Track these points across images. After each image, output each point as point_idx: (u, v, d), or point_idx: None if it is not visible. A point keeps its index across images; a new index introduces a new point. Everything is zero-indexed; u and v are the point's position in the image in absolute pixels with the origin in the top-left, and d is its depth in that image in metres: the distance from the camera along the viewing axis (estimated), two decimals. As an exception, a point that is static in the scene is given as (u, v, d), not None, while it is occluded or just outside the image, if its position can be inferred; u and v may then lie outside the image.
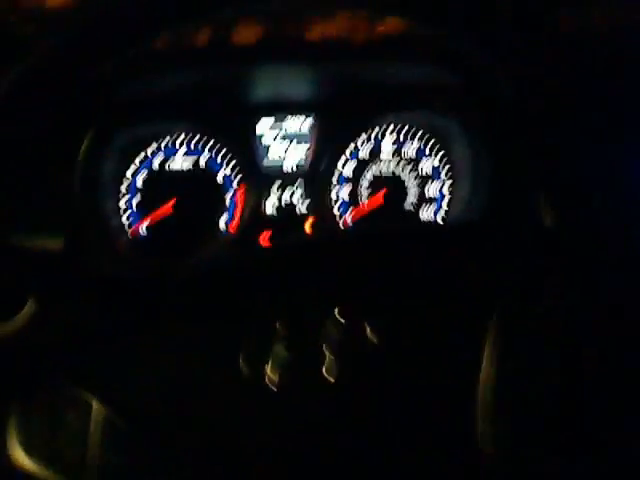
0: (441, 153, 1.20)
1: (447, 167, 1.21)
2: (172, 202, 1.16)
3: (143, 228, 1.17)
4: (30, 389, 0.61)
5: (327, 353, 0.59)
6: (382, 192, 1.21)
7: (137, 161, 1.16)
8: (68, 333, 0.60)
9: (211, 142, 1.16)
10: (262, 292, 0.62)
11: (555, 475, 0.59)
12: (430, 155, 1.21)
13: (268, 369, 0.59)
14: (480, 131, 1.12)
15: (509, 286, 0.63)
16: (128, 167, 1.15)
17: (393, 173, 1.22)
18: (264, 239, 1.18)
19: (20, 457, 0.60)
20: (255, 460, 0.59)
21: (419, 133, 1.20)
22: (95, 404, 0.58)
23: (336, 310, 0.60)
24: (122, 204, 1.16)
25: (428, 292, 0.62)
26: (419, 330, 0.61)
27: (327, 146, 1.17)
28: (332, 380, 0.58)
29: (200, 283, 0.63)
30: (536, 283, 0.64)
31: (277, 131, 1.18)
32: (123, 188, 1.16)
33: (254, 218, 1.18)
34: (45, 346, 0.60)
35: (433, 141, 1.20)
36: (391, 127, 1.20)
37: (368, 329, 0.59)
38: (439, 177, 1.21)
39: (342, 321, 0.60)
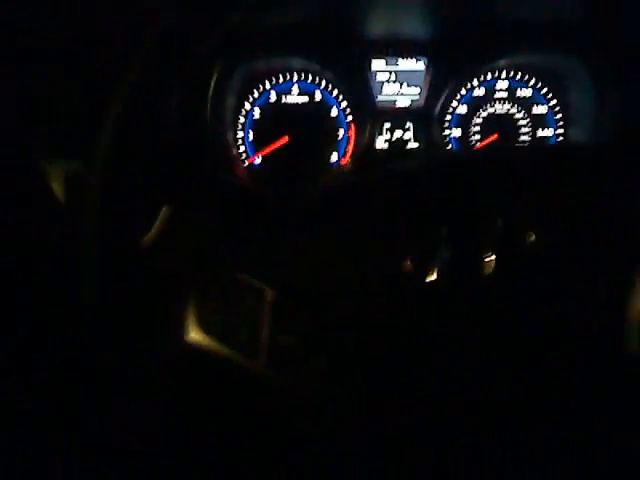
0: (555, 99, 1.18)
1: (562, 112, 1.19)
2: (287, 135, 1.19)
3: (258, 159, 1.21)
4: (201, 280, 0.66)
5: (489, 257, 0.61)
6: (495, 131, 1.20)
7: (255, 95, 1.19)
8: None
9: (326, 77, 1.18)
10: (431, 197, 0.64)
11: None
12: (545, 99, 1.19)
13: (433, 272, 0.61)
14: (606, 73, 1.09)
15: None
16: (246, 100, 1.18)
17: (507, 112, 1.20)
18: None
19: (198, 335, 0.65)
20: (411, 355, 0.62)
21: (534, 77, 1.18)
22: (267, 290, 0.63)
23: (501, 219, 0.62)
24: (240, 135, 1.20)
25: (588, 209, 0.63)
26: (577, 243, 0.62)
27: (440, 87, 1.17)
28: (492, 280, 0.60)
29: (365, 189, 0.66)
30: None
31: (391, 69, 1.18)
32: (241, 120, 1.19)
33: (366, 153, 1.20)
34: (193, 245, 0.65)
35: (548, 85, 1.18)
36: (505, 70, 1.18)
37: (532, 236, 0.61)
38: (553, 121, 1.19)
39: (505, 227, 0.61)
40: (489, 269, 0.61)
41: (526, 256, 0.61)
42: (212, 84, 1.06)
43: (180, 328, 0.64)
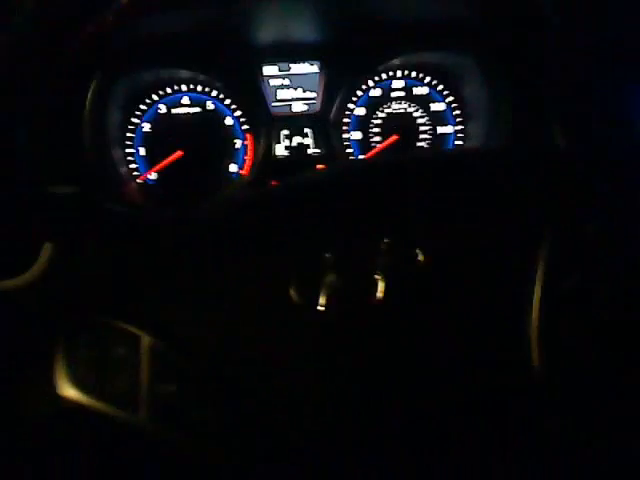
0: (452, 96, 1.17)
1: (459, 108, 1.18)
2: (181, 148, 1.14)
3: (152, 175, 1.14)
4: (71, 327, 0.60)
5: (378, 279, 0.58)
6: (395, 131, 1.18)
7: (142, 107, 1.12)
8: (96, 272, 0.59)
9: (217, 86, 1.13)
10: (312, 221, 0.60)
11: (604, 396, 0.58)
12: (441, 96, 1.18)
13: (320, 298, 0.57)
14: (497, 68, 1.09)
15: (556, 207, 0.61)
16: (134, 114, 1.12)
17: (405, 110, 1.19)
18: (276, 183, 1.15)
19: (69, 391, 0.59)
20: (304, 388, 0.58)
21: (429, 75, 1.16)
22: (143, 336, 0.57)
23: (386, 237, 0.58)
24: (129, 152, 1.13)
25: (477, 214, 0.61)
26: (469, 253, 0.59)
27: (335, 90, 1.14)
28: (382, 304, 0.57)
29: (244, 215, 0.61)
30: (580, 204, 0.62)
31: (284, 74, 1.14)
32: (130, 136, 1.13)
33: (265, 162, 1.15)
34: (70, 287, 0.59)
35: (444, 82, 1.17)
36: (400, 69, 1.17)
37: (419, 254, 0.58)
38: (452, 117, 1.19)
39: (392, 247, 0.58)
40: (380, 293, 0.57)
41: (417, 277, 0.58)
42: (88, 101, 0.98)
43: (50, 383, 0.58)
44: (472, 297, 0.58)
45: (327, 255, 0.58)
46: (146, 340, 0.57)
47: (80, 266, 0.60)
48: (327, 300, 0.56)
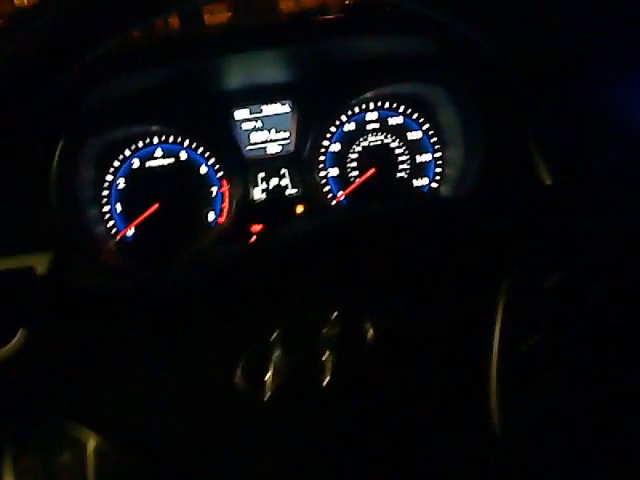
0: (428, 124, 1.15)
1: (436, 136, 1.16)
2: (157, 201, 1.12)
3: (130, 231, 1.13)
4: (24, 427, 0.58)
5: (326, 357, 0.55)
6: (373, 164, 1.16)
7: (115, 164, 1.11)
8: (60, 362, 0.57)
9: (189, 135, 1.12)
10: (254, 297, 0.58)
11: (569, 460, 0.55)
12: (417, 125, 1.15)
13: (267, 379, 0.55)
14: (469, 98, 1.06)
15: (515, 258, 0.59)
16: (107, 171, 1.11)
17: (381, 142, 1.16)
18: (256, 229, 1.13)
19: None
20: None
21: (402, 104, 1.14)
22: (90, 440, 0.55)
23: (335, 312, 0.56)
24: (105, 209, 1.12)
25: (428, 279, 0.58)
26: (423, 319, 0.57)
27: (309, 128, 1.13)
28: (332, 382, 0.55)
29: (185, 294, 0.59)
30: (544, 251, 0.60)
31: (256, 117, 1.13)
32: (105, 193, 1.12)
33: (243, 207, 1.14)
34: (36, 378, 0.57)
35: (418, 111, 1.14)
36: (372, 101, 1.15)
37: (369, 329, 0.55)
38: (429, 145, 1.16)
39: (341, 322, 0.56)
40: (328, 372, 0.55)
41: (368, 352, 0.56)
42: (55, 163, 0.97)
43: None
44: (428, 369, 0.56)
45: (274, 334, 0.55)
46: (92, 444, 0.55)
47: (41, 355, 0.59)
48: (274, 384, 0.54)
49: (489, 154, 1.05)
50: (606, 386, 0.55)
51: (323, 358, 0.55)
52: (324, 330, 0.55)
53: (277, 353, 0.55)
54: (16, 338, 0.54)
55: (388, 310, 0.56)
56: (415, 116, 1.15)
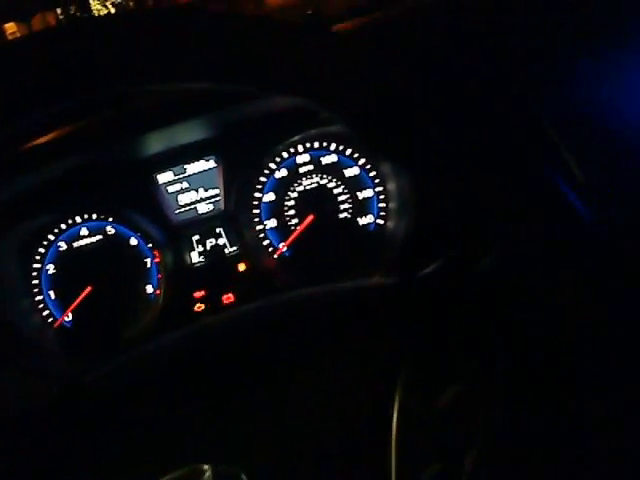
0: (363, 158, 1.07)
1: (374, 169, 1.08)
2: (90, 282, 1.06)
3: (68, 317, 1.07)
4: None
5: None
6: (312, 209, 1.08)
7: (41, 250, 1.06)
8: None
9: (113, 209, 1.05)
10: None
11: None
12: (353, 161, 1.07)
13: None
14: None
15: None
16: (33, 259, 1.05)
17: (318, 184, 1.09)
18: (198, 294, 1.07)
19: None
20: None
21: (334, 142, 1.06)
22: None
23: None
24: (38, 299, 1.06)
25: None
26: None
27: (237, 181, 1.06)
28: None
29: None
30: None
31: (181, 178, 1.06)
32: (35, 282, 1.06)
33: (181, 275, 1.07)
34: None
35: (351, 147, 1.06)
36: (301, 144, 1.07)
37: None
38: (369, 180, 1.08)
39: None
40: None
41: None
42: None
43: None
44: None
45: None
46: None
47: None
48: None
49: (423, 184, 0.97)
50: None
51: None
52: None
53: None
54: None
55: None
56: (349, 152, 1.07)
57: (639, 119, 0.91)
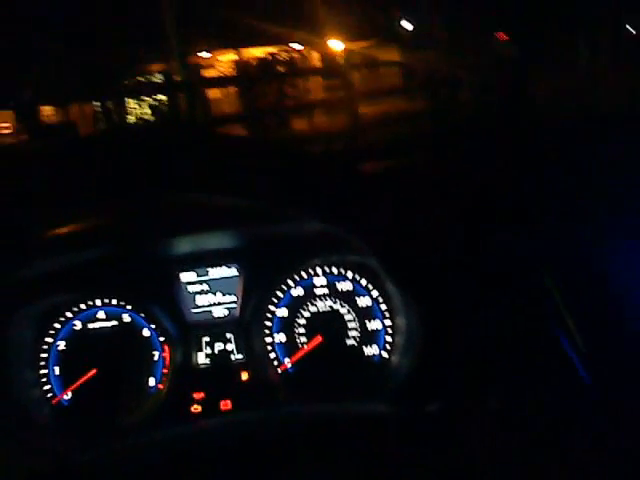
0: (376, 290, 1.12)
1: (385, 303, 1.13)
2: (96, 364, 1.09)
3: (67, 395, 1.09)
4: None
5: None
6: (321, 330, 1.13)
7: (56, 326, 1.09)
8: None
9: (133, 298, 1.10)
10: None
11: None
12: (366, 291, 1.13)
13: None
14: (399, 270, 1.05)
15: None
16: (47, 333, 1.09)
17: (331, 308, 1.14)
18: (198, 396, 1.09)
19: None
20: None
21: (350, 270, 1.12)
22: None
23: None
24: (42, 372, 1.09)
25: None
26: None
27: (255, 293, 1.11)
28: None
29: None
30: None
31: (202, 280, 1.12)
32: (43, 355, 1.09)
33: (185, 373, 1.10)
34: None
35: (366, 278, 1.12)
36: (320, 267, 1.13)
37: None
38: (379, 312, 1.13)
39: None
40: None
41: None
42: None
43: None
44: None
45: None
46: None
47: None
48: None
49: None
50: None
51: None
52: None
53: None
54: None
55: None
56: (364, 282, 1.13)
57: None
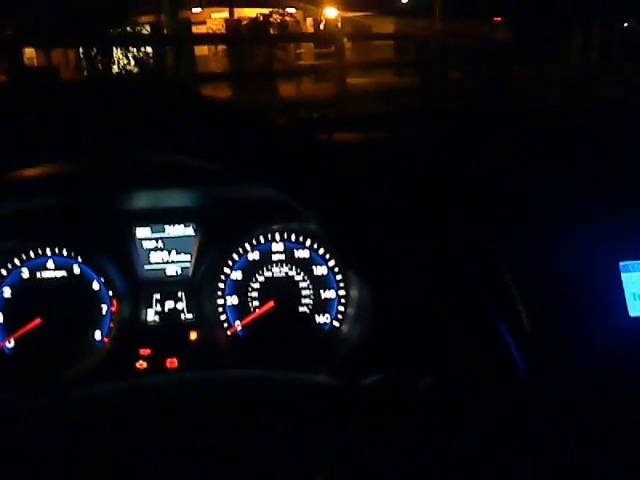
0: (333, 260, 1.11)
1: (340, 273, 1.12)
2: (40, 315, 1.07)
3: (9, 343, 1.07)
4: None
5: None
6: (274, 296, 1.12)
7: (3, 272, 1.07)
8: None
9: (85, 250, 1.08)
10: None
11: None
12: (323, 260, 1.12)
13: None
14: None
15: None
16: (-7, 279, 1.06)
17: (286, 274, 1.12)
18: (144, 352, 1.08)
19: None
20: None
21: (309, 239, 1.11)
22: None
23: None
24: (-14, 319, 1.07)
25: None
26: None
27: (211, 253, 1.09)
28: None
29: None
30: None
31: (158, 237, 1.09)
32: (-13, 302, 1.07)
33: (133, 329, 1.08)
34: None
35: (324, 247, 1.11)
36: (279, 232, 1.12)
37: None
38: (334, 282, 1.12)
39: None
40: None
41: None
42: None
43: None
44: None
45: None
46: None
47: None
48: None
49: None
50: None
51: None
52: None
53: None
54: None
55: None
56: (321, 252, 1.12)
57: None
